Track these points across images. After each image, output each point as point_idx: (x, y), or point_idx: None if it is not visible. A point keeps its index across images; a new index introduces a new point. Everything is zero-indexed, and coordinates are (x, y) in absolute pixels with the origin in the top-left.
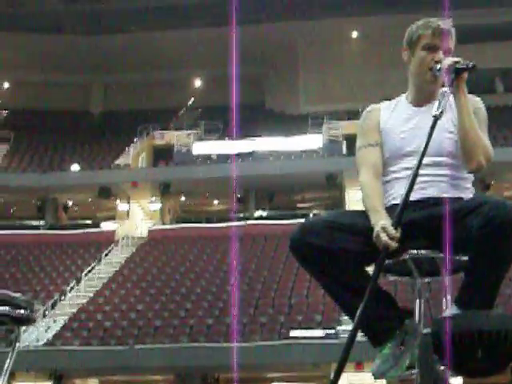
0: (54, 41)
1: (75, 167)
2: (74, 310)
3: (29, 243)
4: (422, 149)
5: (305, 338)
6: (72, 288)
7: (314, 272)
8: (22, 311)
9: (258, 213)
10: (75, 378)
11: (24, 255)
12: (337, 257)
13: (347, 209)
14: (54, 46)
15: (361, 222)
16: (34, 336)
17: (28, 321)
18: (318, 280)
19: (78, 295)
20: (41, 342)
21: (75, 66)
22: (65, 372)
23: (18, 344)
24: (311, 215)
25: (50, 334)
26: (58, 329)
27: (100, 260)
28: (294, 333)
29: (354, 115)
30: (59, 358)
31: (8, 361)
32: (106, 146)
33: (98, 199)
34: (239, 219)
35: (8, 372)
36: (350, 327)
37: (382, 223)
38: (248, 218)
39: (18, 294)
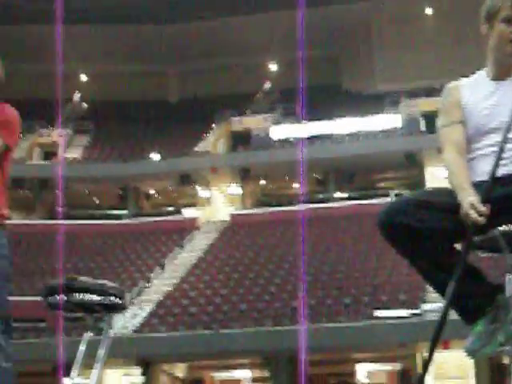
0: (129, 31)
1: (155, 156)
2: (160, 297)
3: (113, 232)
4: (505, 125)
5: (389, 317)
6: (157, 275)
7: (403, 251)
8: (114, 299)
9: (338, 194)
10: (163, 364)
11: (109, 244)
12: (425, 235)
13: (428, 187)
14: (130, 37)
15: (448, 200)
16: (121, 323)
17: (119, 308)
18: (408, 259)
19: (163, 282)
20: (128, 330)
21: (151, 56)
22: (152, 358)
23: (110, 331)
24: (391, 195)
25: (137, 321)
26: (145, 316)
27: (183, 246)
28: (378, 313)
29: (431, 92)
30: (147, 344)
31: (102, 348)
32: (184, 133)
33: (178, 186)
34: (320, 201)
35: (104, 359)
36: (434, 306)
37: (469, 200)
38: (328, 200)
39: (109, 283)
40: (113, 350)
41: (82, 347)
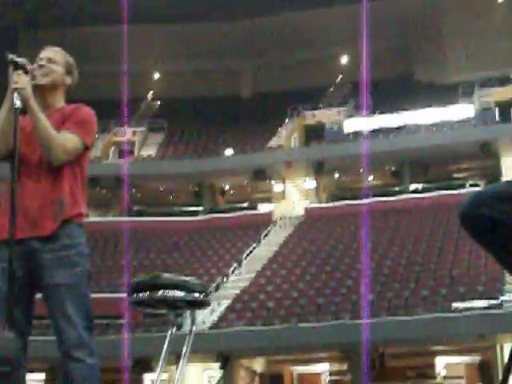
0: (201, 29)
1: (229, 151)
2: (237, 292)
3: (189, 229)
4: None
5: (467, 309)
6: (234, 270)
7: (485, 244)
8: (198, 295)
9: (412, 186)
10: (241, 359)
11: (185, 241)
12: (509, 228)
13: (506, 178)
14: (203, 34)
15: None
16: (199, 319)
17: (204, 305)
18: (491, 252)
19: (239, 277)
20: (206, 325)
21: (223, 52)
22: (231, 353)
23: (194, 327)
24: (467, 186)
25: (214, 317)
26: (223, 311)
27: (259, 241)
28: (456, 305)
29: (504, 81)
30: (225, 339)
31: (186, 345)
32: (258, 128)
33: (253, 181)
34: (395, 193)
35: (188, 355)
36: None
37: None
38: (403, 192)
39: (193, 279)
40: (192, 346)
41: (166, 343)
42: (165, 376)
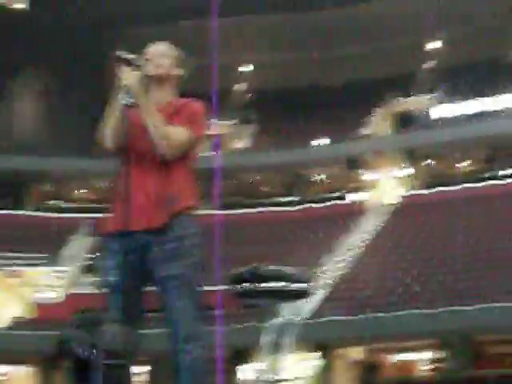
0: (290, 19)
1: (321, 141)
2: (333, 282)
3: (282, 220)
4: None
5: None
6: (328, 260)
7: None
8: (300, 285)
9: (505, 171)
10: (340, 348)
11: (279, 232)
12: None
13: None
14: (291, 24)
15: None
16: (297, 309)
17: (306, 295)
18: None
19: (335, 267)
20: (304, 315)
21: (313, 42)
22: (329, 342)
23: (297, 318)
24: None
25: (312, 307)
26: (319, 301)
27: (353, 231)
28: None
29: None
30: (323, 329)
31: (290, 335)
32: (348, 117)
33: (345, 171)
34: (488, 179)
35: (292, 345)
36: None
37: None
38: (495, 178)
39: (295, 269)
40: (289, 336)
41: (267, 334)
42: (264, 366)
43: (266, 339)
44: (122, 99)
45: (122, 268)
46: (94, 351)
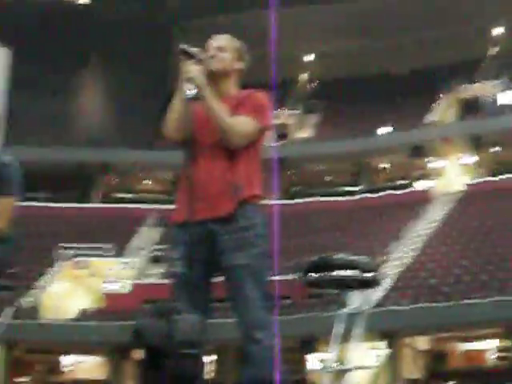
0: (353, 7)
1: (385, 129)
2: (399, 270)
3: (348, 208)
4: None
5: None
6: (394, 249)
7: None
8: (370, 274)
9: None
10: (405, 337)
11: (344, 220)
12: None
13: None
14: (354, 13)
15: None
16: (365, 298)
17: (375, 284)
18: None
19: (400, 255)
20: (370, 304)
21: (377, 30)
22: (395, 331)
23: (366, 307)
24: None
25: (378, 295)
26: (386, 290)
27: (418, 219)
28: None
29: None
30: (389, 318)
31: (359, 324)
32: (413, 105)
33: (410, 158)
34: None
35: (362, 334)
36: None
37: None
38: None
39: (364, 258)
40: (362, 325)
41: (337, 323)
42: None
43: (334, 328)
44: (186, 92)
45: (188, 258)
46: (168, 341)
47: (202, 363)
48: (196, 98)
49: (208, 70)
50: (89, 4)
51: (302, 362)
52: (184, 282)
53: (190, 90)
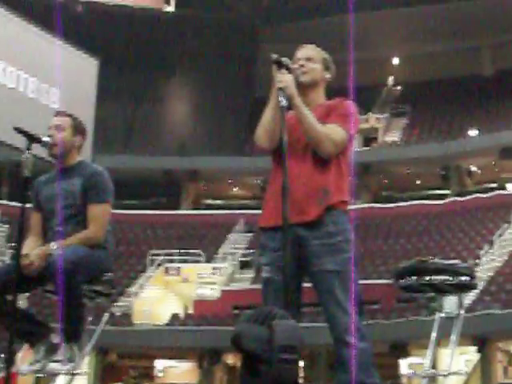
0: (438, 9)
1: (474, 132)
2: (491, 274)
3: (438, 212)
4: None
5: None
6: (485, 252)
7: None
8: (466, 279)
9: None
10: (498, 342)
11: (434, 224)
12: None
13: None
14: (439, 15)
15: None
16: (453, 303)
17: (470, 287)
18: None
19: (492, 258)
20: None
21: (462, 31)
22: (487, 336)
23: (461, 312)
24: None
25: (469, 300)
26: (477, 293)
27: (510, 222)
28: None
29: None
30: (481, 322)
31: (455, 329)
32: (501, 106)
33: (499, 161)
34: None
35: (457, 338)
36: None
37: None
38: None
39: (460, 263)
40: (448, 329)
41: (434, 328)
42: (425, 360)
43: (432, 333)
44: (278, 101)
45: (276, 264)
46: (268, 346)
47: (299, 369)
48: (287, 108)
49: (297, 80)
50: (174, 12)
51: (395, 367)
52: (273, 287)
53: (282, 100)
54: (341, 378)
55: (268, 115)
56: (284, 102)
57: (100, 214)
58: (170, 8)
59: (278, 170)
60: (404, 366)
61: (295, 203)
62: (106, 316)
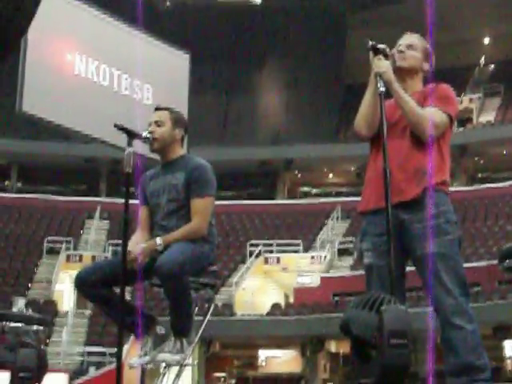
0: None
1: None
2: None
3: None
4: None
5: None
6: None
7: None
8: None
9: None
10: None
11: None
12: None
13: None
14: None
15: None
16: None
17: None
18: None
19: None
20: None
21: None
22: None
23: None
24: None
25: None
26: None
27: None
28: None
29: None
30: None
31: None
32: None
33: None
34: None
35: None
36: None
37: None
38: None
39: None
40: None
41: None
42: None
43: None
44: (376, 87)
45: (378, 249)
46: (378, 331)
47: (411, 354)
48: (386, 94)
49: (395, 66)
50: (262, 3)
51: (499, 349)
52: (377, 273)
53: (381, 86)
54: (449, 361)
55: (366, 102)
56: (382, 88)
57: (203, 207)
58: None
59: (377, 154)
60: (508, 347)
61: (394, 185)
62: (211, 307)
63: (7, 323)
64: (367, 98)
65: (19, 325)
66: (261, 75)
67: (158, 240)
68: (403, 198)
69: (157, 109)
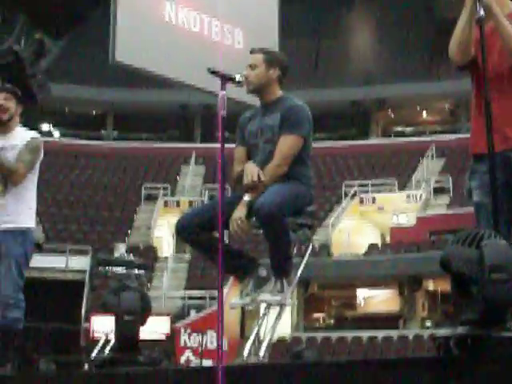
0: None
1: None
2: None
3: None
4: None
5: None
6: None
7: None
8: None
9: None
10: None
11: None
12: None
13: None
14: None
15: None
16: None
17: None
18: None
19: None
20: None
21: None
22: None
23: None
24: None
25: None
26: None
27: None
28: None
29: None
30: None
31: None
32: None
33: None
34: None
35: None
36: None
37: None
38: None
39: None
40: None
41: None
42: None
43: None
44: (473, 12)
45: (486, 186)
46: (478, 267)
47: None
48: (483, 20)
49: None
50: None
51: None
52: (485, 210)
53: (479, 10)
54: None
55: (460, 26)
56: (481, 13)
57: (287, 145)
58: None
59: (479, 94)
60: None
61: (500, 130)
62: (309, 248)
63: (110, 268)
64: (461, 22)
65: (121, 270)
66: (351, 15)
67: (246, 197)
68: (510, 144)
69: (251, 52)
